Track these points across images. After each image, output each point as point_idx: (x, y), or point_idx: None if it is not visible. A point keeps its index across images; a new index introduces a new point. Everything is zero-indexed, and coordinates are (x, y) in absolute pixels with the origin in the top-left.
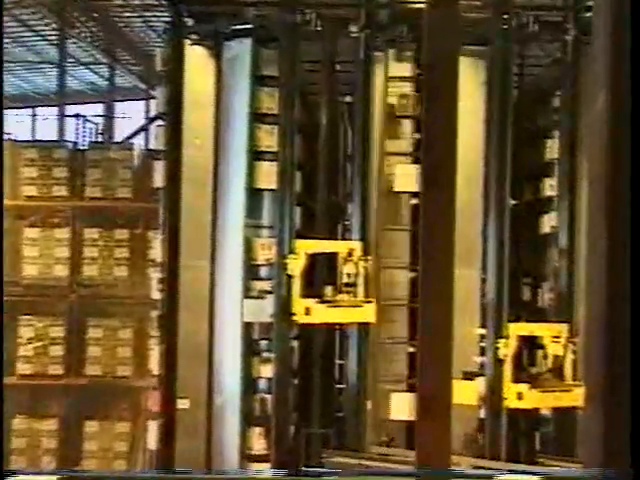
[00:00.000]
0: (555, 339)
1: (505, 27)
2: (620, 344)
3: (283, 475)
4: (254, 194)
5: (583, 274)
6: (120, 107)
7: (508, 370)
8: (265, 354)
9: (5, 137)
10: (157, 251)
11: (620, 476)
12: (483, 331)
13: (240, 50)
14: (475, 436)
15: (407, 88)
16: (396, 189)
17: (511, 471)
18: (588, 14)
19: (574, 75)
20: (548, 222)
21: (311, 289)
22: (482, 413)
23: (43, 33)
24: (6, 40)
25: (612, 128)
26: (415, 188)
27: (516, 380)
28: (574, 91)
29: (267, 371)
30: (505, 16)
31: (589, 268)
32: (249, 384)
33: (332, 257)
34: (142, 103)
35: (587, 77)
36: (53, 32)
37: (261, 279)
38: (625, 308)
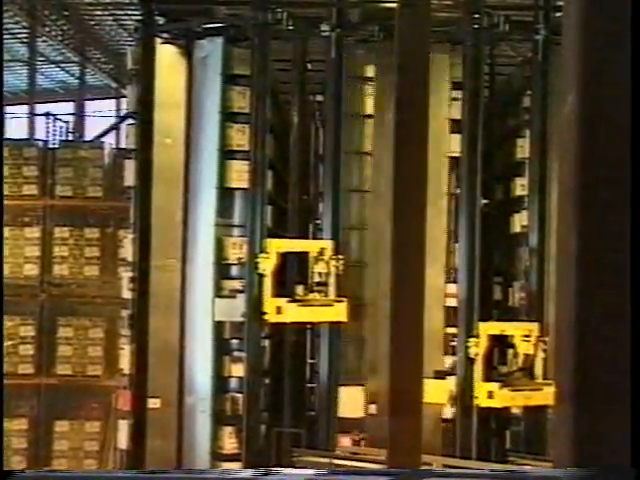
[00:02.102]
0: (526, 338)
1: (476, 27)
2: (590, 343)
3: (253, 475)
4: (225, 193)
5: (553, 273)
6: (91, 106)
7: (479, 369)
8: (236, 353)
9: None
10: (128, 250)
11: (621, 476)
12: (454, 330)
13: (211, 49)
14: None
15: None
16: None
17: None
18: (558, 14)
19: (544, 75)
20: (519, 221)
21: (282, 288)
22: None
23: (13, 31)
24: None
25: (581, 128)
26: None
27: (487, 379)
28: (544, 91)
29: (238, 370)
30: (476, 16)
31: (559, 267)
32: (220, 383)
33: (303, 256)
34: (113, 102)
35: (557, 77)
36: (23, 30)
37: (232, 278)
38: (594, 307)
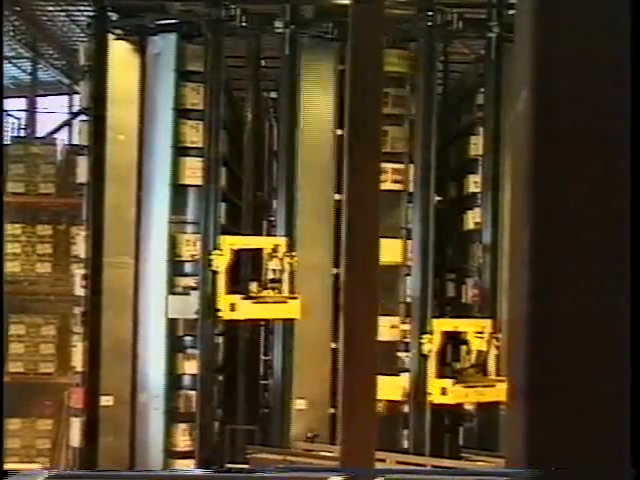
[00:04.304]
0: (479, 335)
1: (429, 24)
2: (542, 339)
3: (211, 473)
4: (179, 190)
5: (506, 270)
6: (43, 102)
7: (432, 366)
8: (190, 350)
9: None
10: (80, 247)
11: (620, 476)
12: (407, 327)
13: (165, 45)
14: None
15: None
16: None
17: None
18: (511, 12)
19: (498, 72)
20: (472, 218)
21: (236, 285)
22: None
23: None
24: None
25: (534, 125)
26: None
27: (440, 375)
28: (498, 88)
29: (192, 367)
30: (429, 13)
31: (511, 264)
32: (173, 381)
33: (257, 253)
34: (65, 98)
35: (510, 74)
36: None
37: (186, 275)
38: (546, 304)
